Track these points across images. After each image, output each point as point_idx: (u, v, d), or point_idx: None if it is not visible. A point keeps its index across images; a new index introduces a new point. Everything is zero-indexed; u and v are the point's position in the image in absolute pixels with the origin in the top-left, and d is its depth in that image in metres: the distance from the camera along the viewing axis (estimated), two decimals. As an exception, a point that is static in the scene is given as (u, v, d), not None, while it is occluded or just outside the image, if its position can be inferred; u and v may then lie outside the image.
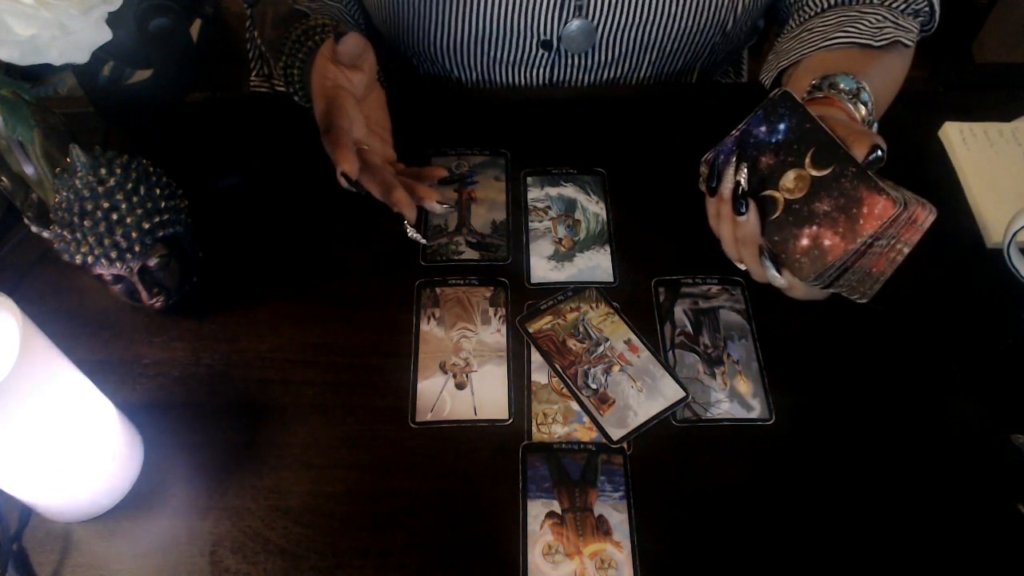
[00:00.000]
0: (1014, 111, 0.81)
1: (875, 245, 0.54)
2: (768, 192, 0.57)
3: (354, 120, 0.68)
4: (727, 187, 0.59)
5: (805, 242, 0.55)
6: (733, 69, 1.01)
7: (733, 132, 0.59)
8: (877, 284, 0.56)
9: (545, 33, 0.79)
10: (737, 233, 0.59)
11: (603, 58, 0.82)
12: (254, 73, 0.93)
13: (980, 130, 0.78)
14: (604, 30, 0.79)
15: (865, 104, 0.63)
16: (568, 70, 0.84)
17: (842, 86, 0.63)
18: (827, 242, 0.54)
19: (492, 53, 0.82)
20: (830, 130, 0.55)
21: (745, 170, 0.58)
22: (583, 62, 0.82)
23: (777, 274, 0.58)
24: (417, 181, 0.69)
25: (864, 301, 0.57)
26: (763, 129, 0.58)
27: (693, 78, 0.90)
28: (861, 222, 0.53)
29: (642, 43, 0.80)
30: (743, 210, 0.57)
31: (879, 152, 0.54)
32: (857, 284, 0.56)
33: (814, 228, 0.55)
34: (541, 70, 0.84)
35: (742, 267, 0.62)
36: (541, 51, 0.81)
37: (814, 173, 0.55)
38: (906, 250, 0.54)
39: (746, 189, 0.58)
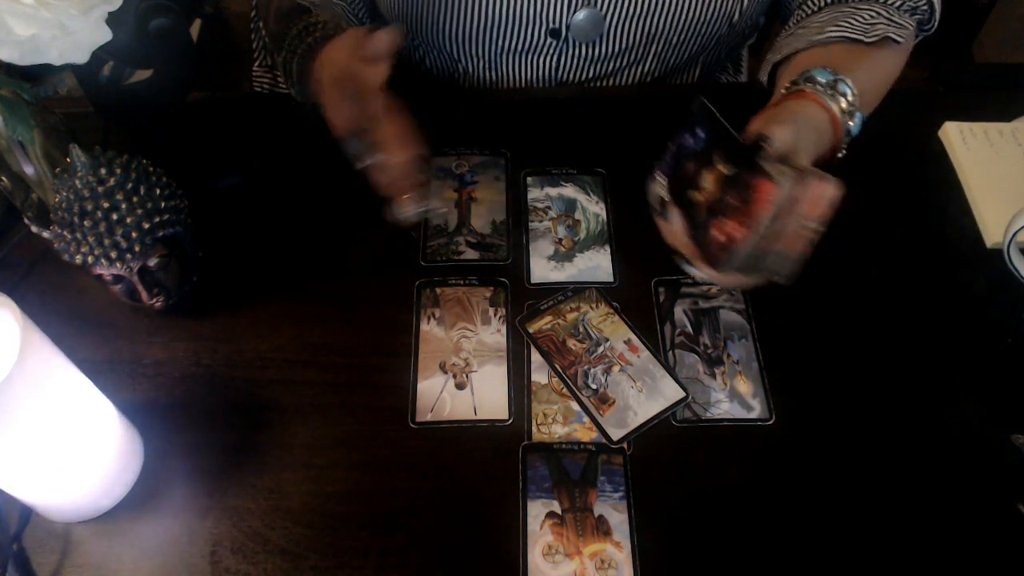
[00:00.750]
0: (1014, 111, 0.81)
1: (783, 227, 0.54)
2: (691, 195, 0.60)
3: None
4: (653, 198, 0.63)
5: (719, 236, 0.57)
6: (733, 67, 1.01)
7: (670, 145, 0.62)
8: (795, 264, 0.57)
9: (554, 21, 0.79)
10: (669, 238, 0.62)
11: (610, 48, 0.82)
12: (257, 63, 0.93)
13: (980, 130, 0.78)
14: (612, 19, 0.79)
15: (844, 95, 0.63)
16: (574, 60, 0.84)
17: (818, 79, 0.64)
18: (735, 233, 0.56)
19: (500, 41, 0.82)
20: (732, 129, 0.57)
21: (664, 179, 0.62)
22: (590, 52, 0.83)
23: (695, 270, 0.61)
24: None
25: (787, 283, 0.58)
26: (688, 138, 0.61)
27: (696, 73, 0.91)
28: (756, 208, 0.54)
29: (649, 33, 0.81)
30: (666, 216, 0.61)
31: (765, 139, 0.56)
32: (778, 267, 0.57)
33: (725, 222, 0.57)
34: (548, 59, 0.84)
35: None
36: (549, 39, 0.81)
37: (724, 171, 0.57)
38: (817, 227, 0.55)
39: (665, 198, 0.62)
